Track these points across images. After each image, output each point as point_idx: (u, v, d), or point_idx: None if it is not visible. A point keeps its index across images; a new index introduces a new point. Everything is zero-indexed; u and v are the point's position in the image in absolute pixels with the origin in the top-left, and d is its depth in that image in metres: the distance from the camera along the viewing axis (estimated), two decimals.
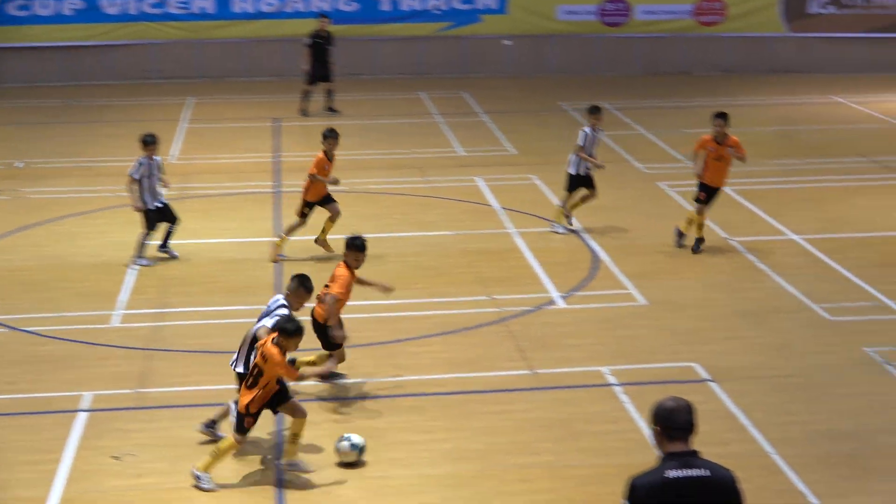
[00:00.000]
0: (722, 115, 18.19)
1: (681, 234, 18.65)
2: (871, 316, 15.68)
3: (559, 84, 33.73)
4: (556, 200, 20.70)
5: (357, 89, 31.80)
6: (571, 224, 19.58)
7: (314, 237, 18.16)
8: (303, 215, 18.16)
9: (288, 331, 11.07)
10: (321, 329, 13.09)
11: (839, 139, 26.69)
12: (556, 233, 19.43)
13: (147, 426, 12.62)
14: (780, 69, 35.45)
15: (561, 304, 16.24)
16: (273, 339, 11.16)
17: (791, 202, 21.23)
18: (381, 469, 11.67)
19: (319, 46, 29.21)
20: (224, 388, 12.90)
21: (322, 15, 30.28)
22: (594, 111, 19.48)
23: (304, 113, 28.96)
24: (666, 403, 7.07)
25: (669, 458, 6.99)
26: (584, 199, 19.59)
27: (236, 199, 21.65)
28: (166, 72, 33.80)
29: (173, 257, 18.25)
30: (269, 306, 12.08)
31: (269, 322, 11.71)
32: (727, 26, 35.43)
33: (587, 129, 19.34)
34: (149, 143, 18.06)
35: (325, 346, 13.16)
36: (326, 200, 18.19)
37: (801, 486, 11.27)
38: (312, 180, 17.98)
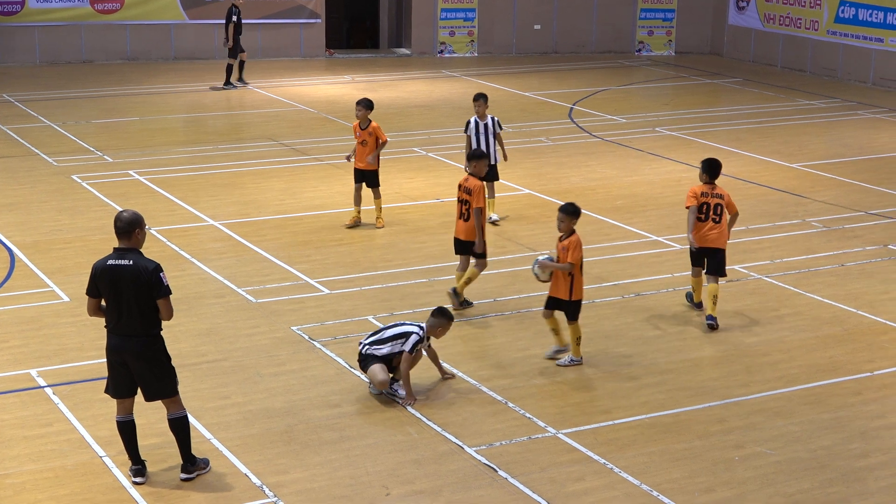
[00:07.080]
0: None
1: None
2: (294, 295, 16.08)
3: None
4: None
5: None
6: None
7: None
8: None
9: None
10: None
11: (248, 123, 27.22)
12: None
13: None
14: (182, 56, 35.66)
15: None
16: None
17: (207, 188, 21.38)
18: None
19: None
20: None
21: None
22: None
23: None
24: (117, 214, 10.75)
25: (115, 251, 10.70)
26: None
27: None
28: None
29: None
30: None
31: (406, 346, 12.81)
32: (125, 14, 35.15)
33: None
34: None
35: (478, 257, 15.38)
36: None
37: (242, 468, 11.39)
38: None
